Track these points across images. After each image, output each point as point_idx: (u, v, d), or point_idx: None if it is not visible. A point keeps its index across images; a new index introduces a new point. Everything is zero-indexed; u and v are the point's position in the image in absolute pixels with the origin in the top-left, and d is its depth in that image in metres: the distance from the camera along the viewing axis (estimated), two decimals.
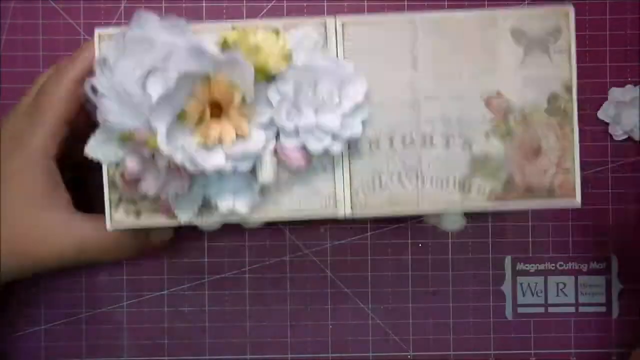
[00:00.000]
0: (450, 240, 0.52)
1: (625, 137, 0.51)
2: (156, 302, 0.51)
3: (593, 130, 0.51)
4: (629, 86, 0.51)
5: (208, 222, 0.40)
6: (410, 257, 0.52)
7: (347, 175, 0.38)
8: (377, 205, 0.38)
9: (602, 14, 0.52)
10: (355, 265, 0.52)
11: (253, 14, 0.51)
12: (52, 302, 0.51)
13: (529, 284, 0.52)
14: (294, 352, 0.51)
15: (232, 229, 0.51)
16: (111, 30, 0.37)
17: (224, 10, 0.51)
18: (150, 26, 0.35)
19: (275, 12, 0.51)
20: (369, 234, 0.52)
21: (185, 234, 0.51)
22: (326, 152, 0.37)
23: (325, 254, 0.52)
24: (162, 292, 0.51)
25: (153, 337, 0.51)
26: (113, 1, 0.51)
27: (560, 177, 0.38)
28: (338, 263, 0.51)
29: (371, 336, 0.51)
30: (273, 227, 0.51)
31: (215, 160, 0.35)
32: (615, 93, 0.51)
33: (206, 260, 0.51)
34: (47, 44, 0.51)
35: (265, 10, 0.51)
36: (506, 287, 0.52)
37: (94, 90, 0.36)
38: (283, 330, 0.51)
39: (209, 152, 0.35)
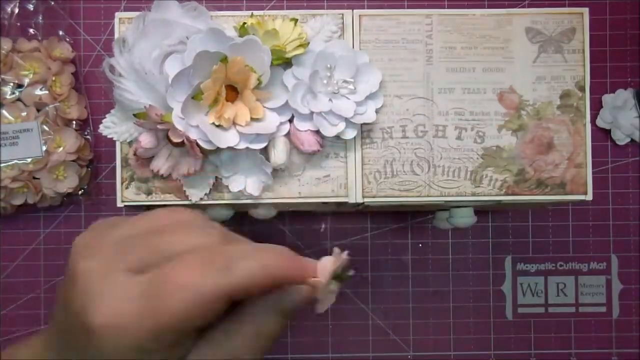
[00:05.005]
0: (450, 240, 0.52)
1: (628, 140, 0.51)
2: None
3: (593, 131, 0.50)
4: (619, 90, 0.51)
5: (220, 212, 0.40)
6: (410, 257, 0.52)
7: (359, 161, 0.39)
8: (388, 192, 0.39)
9: (602, 14, 0.52)
10: (355, 265, 0.51)
11: None
12: (52, 302, 0.50)
13: (529, 284, 0.52)
14: (294, 352, 0.51)
15: (233, 228, 0.51)
16: (131, 14, 0.38)
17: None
18: (171, 10, 0.36)
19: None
20: (369, 234, 0.52)
21: None
22: (339, 138, 0.37)
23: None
24: None
25: None
26: (113, 1, 0.51)
27: (572, 172, 0.39)
28: None
29: (371, 336, 0.51)
30: (273, 227, 0.51)
31: (229, 139, 0.35)
32: (607, 100, 0.51)
33: None
34: None
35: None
36: (506, 287, 0.52)
37: (112, 69, 0.36)
38: (283, 330, 0.51)
39: (223, 131, 0.35)
